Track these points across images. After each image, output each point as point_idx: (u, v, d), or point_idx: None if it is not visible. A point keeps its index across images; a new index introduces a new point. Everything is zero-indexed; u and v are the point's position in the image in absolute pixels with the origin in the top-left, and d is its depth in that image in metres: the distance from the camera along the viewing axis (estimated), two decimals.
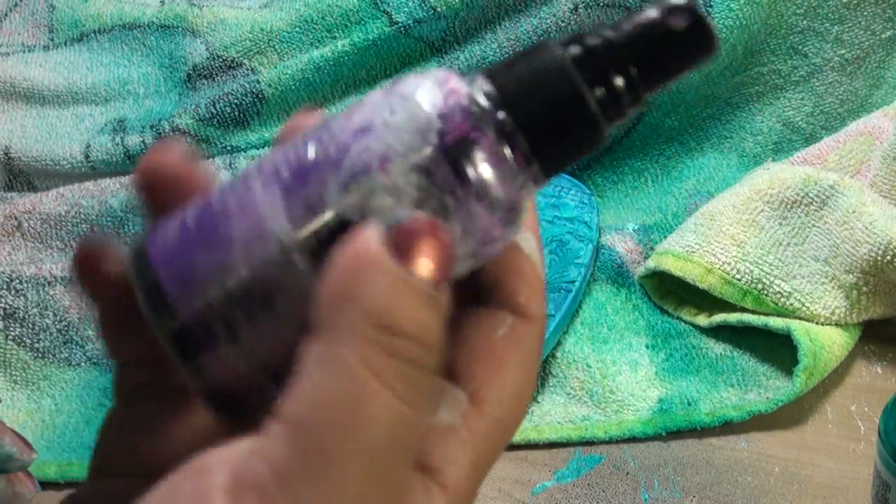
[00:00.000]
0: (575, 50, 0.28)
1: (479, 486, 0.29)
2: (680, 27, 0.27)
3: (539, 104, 0.27)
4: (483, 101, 0.27)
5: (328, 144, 0.27)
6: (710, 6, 0.79)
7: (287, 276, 0.26)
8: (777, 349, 0.69)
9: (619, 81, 0.27)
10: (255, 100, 0.83)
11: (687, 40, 0.28)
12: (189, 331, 0.27)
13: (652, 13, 0.28)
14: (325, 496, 0.24)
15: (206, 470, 0.25)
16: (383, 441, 0.24)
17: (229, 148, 0.83)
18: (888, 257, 0.66)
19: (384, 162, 0.26)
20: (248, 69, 0.84)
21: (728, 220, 0.72)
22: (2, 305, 0.74)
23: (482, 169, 0.27)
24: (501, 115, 0.27)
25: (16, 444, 0.57)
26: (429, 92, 0.27)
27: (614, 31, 0.28)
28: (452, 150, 0.27)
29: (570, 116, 0.27)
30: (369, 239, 0.25)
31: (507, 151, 0.27)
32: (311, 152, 0.27)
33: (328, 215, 0.26)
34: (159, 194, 0.29)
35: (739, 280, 0.70)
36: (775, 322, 0.69)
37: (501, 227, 0.28)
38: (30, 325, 0.74)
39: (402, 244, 0.25)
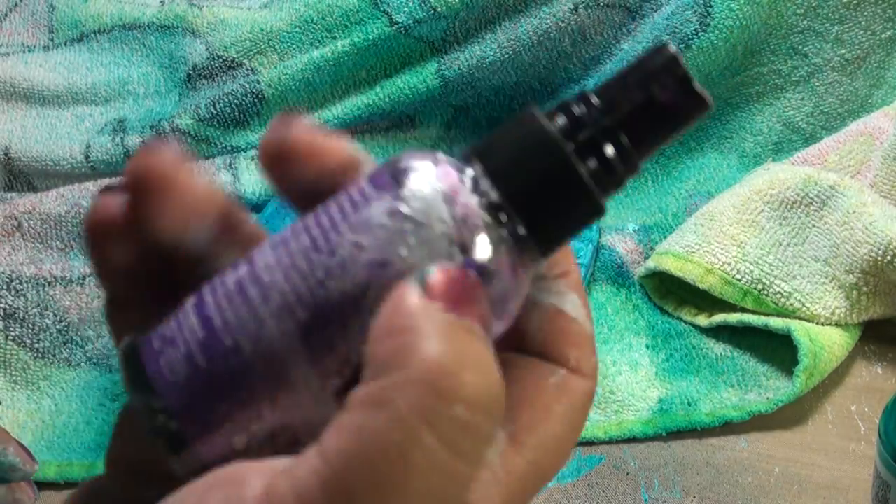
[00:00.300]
0: (562, 122, 0.27)
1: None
2: (669, 100, 0.27)
3: (536, 187, 0.27)
4: (492, 200, 0.27)
5: (343, 279, 0.25)
6: (710, 6, 0.79)
7: (316, 416, 0.26)
8: (777, 349, 0.69)
9: (612, 153, 0.27)
10: (255, 100, 0.83)
11: (678, 107, 0.27)
12: (199, 457, 0.26)
13: (637, 83, 0.27)
14: None
15: (241, 480, 0.24)
16: (420, 493, 0.23)
17: (229, 148, 0.83)
18: (888, 257, 0.66)
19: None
20: (248, 69, 0.84)
21: (728, 221, 0.72)
22: (2, 305, 0.74)
23: (499, 285, 0.27)
24: (504, 216, 0.27)
25: (19, 455, 0.57)
26: (439, 211, 0.26)
27: (602, 101, 0.27)
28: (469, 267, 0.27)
29: (568, 195, 0.27)
30: (413, 294, 0.25)
31: (510, 240, 0.27)
32: (324, 287, 0.25)
33: (354, 360, 0.25)
34: (149, 200, 0.28)
35: (739, 280, 0.70)
36: (775, 322, 0.69)
37: (505, 309, 0.27)
38: (30, 326, 0.74)
39: (444, 295, 0.25)
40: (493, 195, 0.26)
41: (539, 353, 0.30)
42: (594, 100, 0.27)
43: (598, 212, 0.27)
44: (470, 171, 0.27)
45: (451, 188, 0.26)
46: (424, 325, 0.24)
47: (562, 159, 0.26)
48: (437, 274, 0.25)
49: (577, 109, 0.27)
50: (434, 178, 0.26)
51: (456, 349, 0.24)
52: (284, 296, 0.26)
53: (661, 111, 0.27)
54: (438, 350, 0.24)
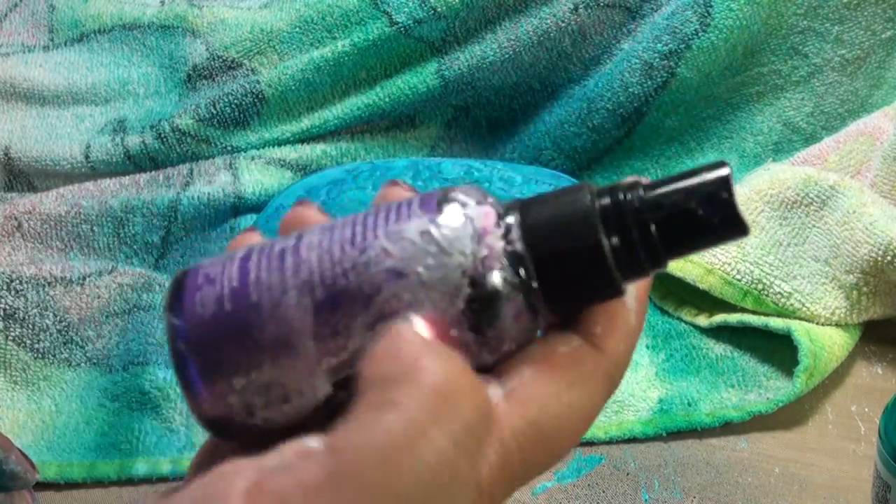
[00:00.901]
0: (606, 202, 0.29)
1: (509, 486, 0.29)
2: (708, 217, 0.28)
3: (560, 251, 0.29)
4: (517, 250, 0.29)
5: (363, 275, 0.28)
6: (710, 6, 0.79)
7: (306, 384, 0.29)
8: (777, 350, 0.69)
9: (641, 246, 0.29)
10: (255, 100, 0.83)
11: (718, 227, 0.29)
12: (211, 410, 0.30)
13: (686, 190, 0.29)
14: None
15: (231, 474, 0.26)
16: (423, 483, 0.26)
17: (229, 148, 0.83)
18: (888, 258, 0.66)
19: (409, 312, 0.28)
20: (248, 69, 0.84)
21: None
22: (2, 306, 0.74)
23: (499, 326, 0.29)
24: (522, 268, 0.29)
25: (21, 464, 0.58)
26: (463, 244, 0.29)
27: (649, 195, 0.29)
28: (475, 311, 0.29)
29: (587, 268, 0.29)
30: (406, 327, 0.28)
31: (521, 290, 0.29)
32: (346, 277, 0.28)
33: (351, 348, 0.28)
34: None
35: (740, 280, 0.70)
36: (775, 322, 0.69)
37: (499, 348, 0.29)
38: (30, 326, 0.74)
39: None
40: (519, 246, 0.29)
41: (580, 318, 0.31)
42: (642, 192, 0.29)
43: (615, 293, 0.29)
44: (509, 219, 0.29)
45: (484, 228, 0.29)
46: (425, 351, 0.27)
47: (591, 236, 0.28)
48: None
49: (624, 196, 0.29)
50: (472, 214, 0.29)
51: (453, 370, 0.27)
52: (312, 273, 0.29)
53: (698, 225, 0.29)
54: (441, 368, 0.27)
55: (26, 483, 0.58)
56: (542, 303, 0.29)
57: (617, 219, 0.29)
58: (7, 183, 0.86)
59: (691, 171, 0.29)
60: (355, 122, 0.84)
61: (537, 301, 0.29)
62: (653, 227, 0.28)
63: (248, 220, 0.80)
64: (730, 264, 0.71)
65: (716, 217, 0.28)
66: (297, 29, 0.84)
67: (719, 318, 0.71)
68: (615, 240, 0.28)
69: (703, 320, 0.72)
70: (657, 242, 0.29)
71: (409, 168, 0.81)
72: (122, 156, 0.83)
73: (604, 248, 0.28)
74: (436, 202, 0.29)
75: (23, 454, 0.58)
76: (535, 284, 0.29)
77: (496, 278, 0.28)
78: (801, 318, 0.69)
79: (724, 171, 0.28)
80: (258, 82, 0.83)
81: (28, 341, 0.74)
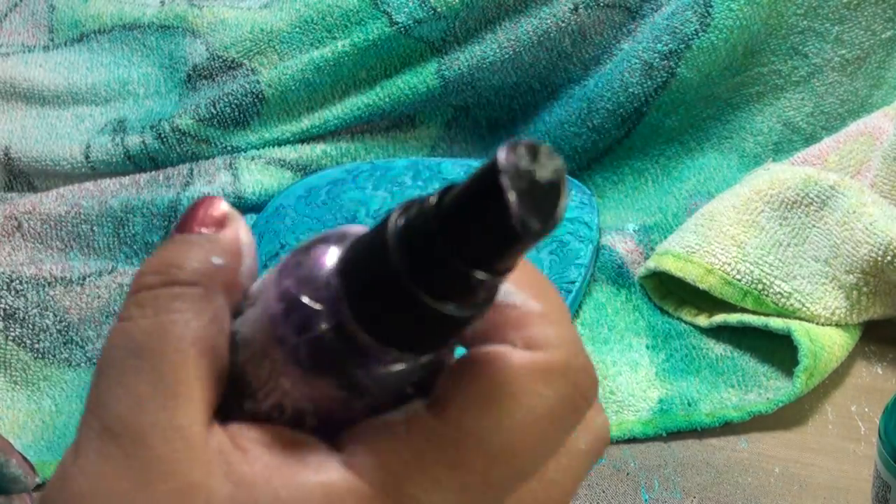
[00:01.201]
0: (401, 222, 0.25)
1: (434, 495, 0.26)
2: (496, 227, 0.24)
3: (376, 304, 0.26)
4: (328, 296, 0.27)
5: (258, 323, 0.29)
6: (710, 6, 0.79)
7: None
8: (777, 350, 0.69)
9: (452, 276, 0.25)
10: (255, 100, 0.83)
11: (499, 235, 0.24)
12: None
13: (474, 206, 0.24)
14: None
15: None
16: (114, 353, 0.28)
17: (229, 148, 0.83)
18: (888, 258, 0.66)
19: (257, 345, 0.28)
20: (248, 69, 0.84)
21: (728, 221, 0.72)
22: (2, 306, 0.74)
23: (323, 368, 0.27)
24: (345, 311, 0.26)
25: (21, 467, 0.58)
26: (282, 299, 0.27)
27: (442, 225, 0.24)
28: (298, 352, 0.27)
29: (407, 313, 0.25)
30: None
31: (359, 335, 0.26)
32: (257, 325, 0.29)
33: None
34: None
35: (739, 280, 0.70)
36: (775, 322, 0.69)
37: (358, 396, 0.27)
38: (30, 326, 0.74)
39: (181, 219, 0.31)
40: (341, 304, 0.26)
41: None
42: (435, 225, 0.24)
43: (435, 316, 0.25)
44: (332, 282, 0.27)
45: (300, 291, 0.27)
46: None
47: (403, 287, 0.25)
48: None
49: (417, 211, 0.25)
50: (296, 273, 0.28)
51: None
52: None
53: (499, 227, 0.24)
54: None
55: (26, 487, 0.58)
56: (377, 346, 0.26)
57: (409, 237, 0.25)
58: (7, 183, 0.86)
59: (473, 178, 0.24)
60: (355, 122, 0.84)
61: (370, 346, 0.26)
62: (455, 254, 0.24)
63: (248, 220, 0.80)
64: (730, 264, 0.71)
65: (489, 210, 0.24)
66: (297, 29, 0.84)
67: (719, 318, 0.71)
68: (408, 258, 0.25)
69: (703, 320, 0.72)
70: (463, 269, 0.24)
71: (409, 168, 0.81)
72: (122, 156, 0.83)
73: (417, 296, 0.25)
74: (295, 257, 0.28)
75: (23, 457, 0.58)
76: (362, 339, 0.26)
77: (306, 315, 0.27)
78: (801, 318, 0.69)
79: (500, 158, 0.23)
80: (258, 82, 0.83)
81: (28, 341, 0.74)
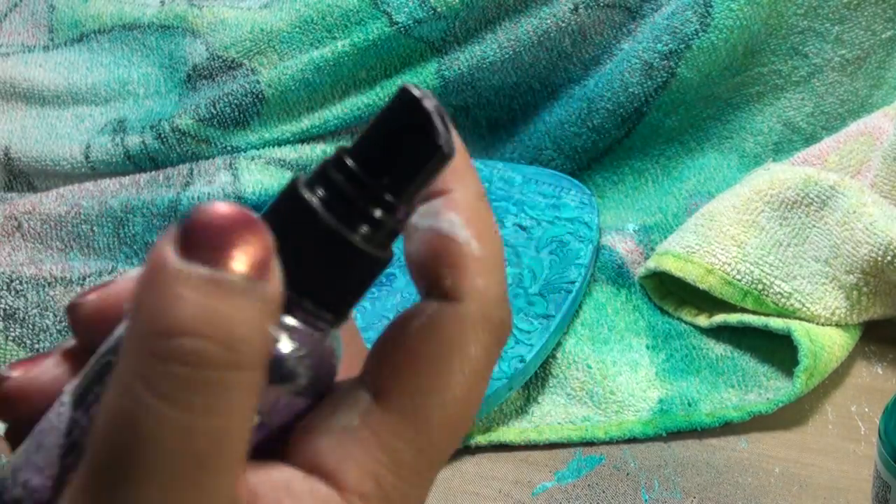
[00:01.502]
0: (323, 195, 0.26)
1: (419, 489, 0.26)
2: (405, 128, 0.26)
3: (305, 259, 0.26)
4: None
5: None
6: (710, 6, 0.79)
7: None
8: (777, 350, 0.69)
9: (378, 213, 0.26)
10: (255, 100, 0.83)
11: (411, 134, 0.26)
12: None
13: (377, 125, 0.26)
14: None
15: None
16: (169, 459, 0.22)
17: (229, 148, 0.83)
18: (888, 258, 0.66)
19: None
20: (248, 69, 0.84)
21: (728, 221, 0.72)
22: (2, 306, 0.74)
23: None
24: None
25: None
26: None
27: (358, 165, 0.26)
28: None
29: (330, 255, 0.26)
30: (159, 246, 0.23)
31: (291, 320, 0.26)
32: None
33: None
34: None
35: (740, 281, 0.70)
36: (775, 322, 0.69)
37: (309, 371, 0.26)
38: (30, 326, 0.74)
39: (192, 241, 0.23)
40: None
41: (419, 281, 0.28)
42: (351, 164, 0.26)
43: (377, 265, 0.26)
44: None
45: None
46: (154, 280, 0.23)
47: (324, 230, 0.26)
48: (192, 218, 0.23)
49: (336, 179, 0.26)
50: None
51: (176, 302, 0.22)
52: None
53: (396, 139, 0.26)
54: (158, 305, 0.22)
55: None
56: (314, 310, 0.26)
57: (319, 175, 0.26)
58: (7, 183, 0.86)
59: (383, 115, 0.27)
60: (355, 122, 0.84)
61: (311, 312, 0.26)
62: (349, 161, 0.26)
63: None
64: (730, 264, 0.71)
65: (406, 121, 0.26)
66: (297, 29, 0.84)
67: (719, 318, 0.71)
68: (321, 191, 0.26)
69: (703, 320, 0.72)
70: (391, 200, 0.26)
71: None
72: (122, 156, 0.83)
73: (341, 234, 0.26)
74: None
75: None
76: (306, 304, 0.26)
77: None
78: (801, 318, 0.69)
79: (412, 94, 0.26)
80: (258, 82, 0.83)
81: (28, 341, 0.74)
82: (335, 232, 0.26)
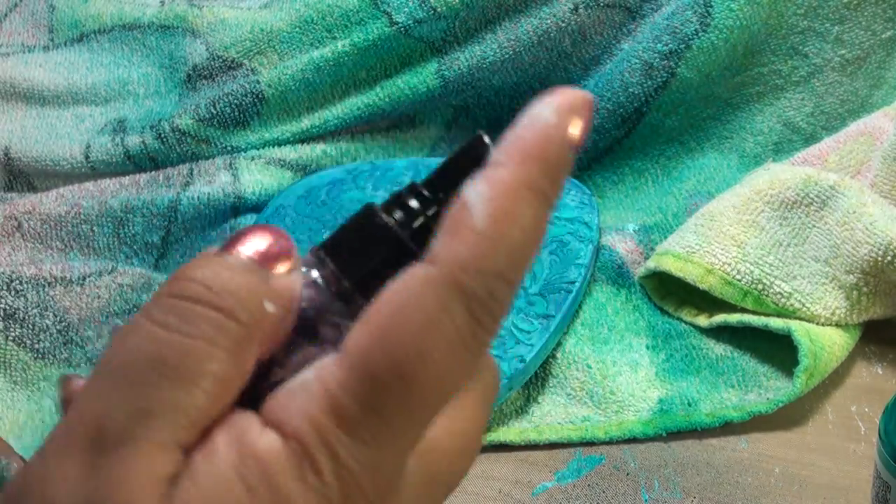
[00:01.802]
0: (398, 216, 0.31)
1: (375, 449, 0.26)
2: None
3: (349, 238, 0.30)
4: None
5: None
6: (710, 6, 0.79)
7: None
8: (777, 350, 0.69)
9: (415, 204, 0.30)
10: (255, 100, 0.83)
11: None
12: None
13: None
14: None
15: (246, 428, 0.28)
16: (134, 360, 0.26)
17: (229, 148, 0.83)
18: (888, 258, 0.66)
19: None
20: (248, 69, 0.84)
21: (728, 221, 0.72)
22: (2, 306, 0.74)
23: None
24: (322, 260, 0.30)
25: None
26: None
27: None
28: None
29: (367, 231, 0.30)
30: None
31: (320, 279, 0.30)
32: None
33: None
34: None
35: (740, 281, 0.70)
36: (776, 323, 0.69)
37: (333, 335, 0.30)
38: (30, 326, 0.74)
39: (224, 242, 0.29)
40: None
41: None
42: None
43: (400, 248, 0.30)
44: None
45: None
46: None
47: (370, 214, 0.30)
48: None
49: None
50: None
51: (189, 265, 0.29)
52: None
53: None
54: (178, 270, 0.29)
55: None
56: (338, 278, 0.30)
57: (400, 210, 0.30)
58: (7, 183, 0.86)
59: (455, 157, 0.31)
60: (355, 122, 0.84)
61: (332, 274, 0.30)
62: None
63: (248, 220, 0.80)
64: (730, 264, 0.71)
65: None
66: (297, 29, 0.84)
67: (719, 318, 0.71)
68: (399, 214, 0.30)
69: (703, 320, 0.72)
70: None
71: (409, 168, 0.81)
72: (122, 156, 0.83)
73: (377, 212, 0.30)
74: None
75: (23, 461, 0.58)
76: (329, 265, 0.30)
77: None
78: (801, 318, 0.69)
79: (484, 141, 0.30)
80: (258, 82, 0.83)
81: (28, 341, 0.74)
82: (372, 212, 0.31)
